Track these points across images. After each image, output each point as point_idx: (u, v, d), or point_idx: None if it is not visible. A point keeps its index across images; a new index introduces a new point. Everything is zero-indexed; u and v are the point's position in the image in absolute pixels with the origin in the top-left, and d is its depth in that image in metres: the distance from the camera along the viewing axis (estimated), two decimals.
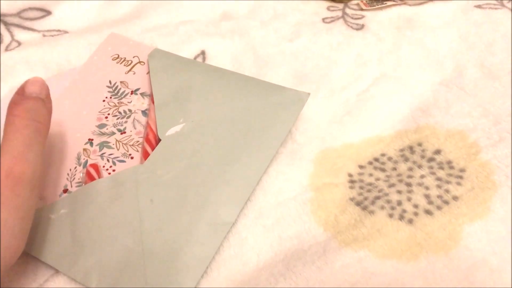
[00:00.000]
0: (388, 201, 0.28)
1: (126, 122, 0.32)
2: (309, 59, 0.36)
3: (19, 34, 0.39)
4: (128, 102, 0.33)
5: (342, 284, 0.24)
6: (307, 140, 0.32)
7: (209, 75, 0.33)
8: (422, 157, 0.30)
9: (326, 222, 0.28)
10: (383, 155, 0.31)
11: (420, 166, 0.30)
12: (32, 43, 0.38)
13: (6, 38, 0.38)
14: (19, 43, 0.38)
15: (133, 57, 0.36)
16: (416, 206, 0.28)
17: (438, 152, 0.30)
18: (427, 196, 0.28)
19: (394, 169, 0.30)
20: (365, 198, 0.29)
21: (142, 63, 0.35)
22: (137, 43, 0.37)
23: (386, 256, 0.25)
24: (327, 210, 0.28)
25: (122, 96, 0.34)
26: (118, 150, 0.31)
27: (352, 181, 0.30)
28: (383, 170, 0.30)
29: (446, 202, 0.28)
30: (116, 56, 0.36)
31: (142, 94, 0.34)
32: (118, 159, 0.31)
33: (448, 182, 0.29)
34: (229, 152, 0.29)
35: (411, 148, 0.31)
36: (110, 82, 0.35)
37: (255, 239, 0.28)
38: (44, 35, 0.39)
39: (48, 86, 0.28)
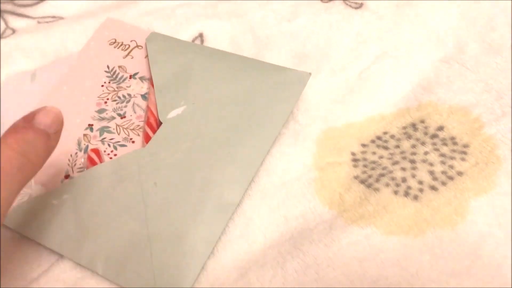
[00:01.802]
0: (393, 178, 0.28)
1: (125, 106, 0.32)
2: (308, 39, 0.36)
3: (14, 21, 0.38)
4: (127, 87, 0.33)
5: (350, 261, 0.24)
6: (309, 120, 0.32)
7: (208, 57, 0.33)
8: (425, 134, 0.30)
9: (331, 201, 0.28)
10: (385, 133, 0.31)
11: (423, 143, 0.30)
12: (27, 30, 0.37)
13: (1, 25, 0.38)
14: (14, 31, 0.37)
15: (131, 41, 0.35)
16: (421, 182, 0.28)
17: (441, 128, 0.30)
18: (431, 172, 0.28)
19: (397, 146, 0.30)
20: (369, 176, 0.29)
21: (140, 47, 0.35)
22: (134, 27, 0.36)
23: (393, 232, 0.25)
24: (331, 189, 0.28)
25: (121, 80, 0.33)
26: (119, 134, 0.31)
27: (355, 160, 0.30)
28: (386, 148, 0.30)
29: (451, 178, 0.27)
30: (113, 41, 0.35)
31: (141, 78, 0.33)
32: (119, 143, 0.31)
33: (452, 158, 0.28)
34: (231, 134, 0.29)
35: (413, 126, 0.31)
36: (108, 67, 0.34)
37: (260, 220, 0.28)
38: (39, 22, 0.38)
39: (61, 116, 0.25)
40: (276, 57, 0.35)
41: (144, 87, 0.33)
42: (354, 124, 0.32)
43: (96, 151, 0.30)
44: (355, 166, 0.29)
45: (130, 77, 0.33)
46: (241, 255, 0.26)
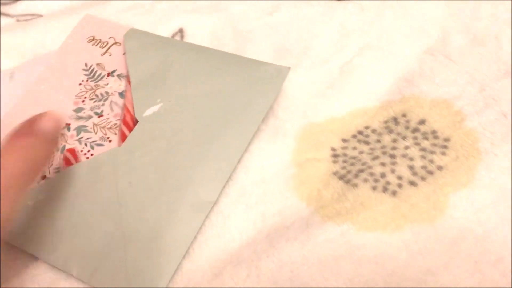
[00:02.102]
0: (372, 174, 0.28)
1: (103, 105, 0.32)
2: (290, 33, 0.35)
3: None
4: (105, 85, 0.33)
5: (325, 258, 0.24)
6: (289, 115, 0.31)
7: (187, 53, 0.32)
8: (407, 128, 0.30)
9: (309, 197, 0.27)
10: (367, 127, 0.30)
11: (404, 137, 0.29)
12: (6, 29, 0.37)
13: None
14: None
15: (109, 38, 0.35)
16: (400, 177, 0.27)
17: (422, 122, 0.30)
18: (411, 167, 0.27)
19: (378, 141, 0.29)
20: (348, 172, 0.28)
21: (118, 44, 0.34)
22: (112, 24, 0.36)
23: (370, 228, 0.25)
24: (310, 185, 0.28)
25: (99, 78, 0.33)
26: (96, 134, 0.30)
27: (335, 156, 0.29)
28: (367, 143, 0.30)
29: (431, 173, 0.27)
30: (92, 38, 0.35)
31: (118, 75, 0.33)
32: (96, 143, 0.30)
33: (432, 152, 0.28)
34: (208, 131, 0.29)
35: (395, 120, 0.30)
36: (86, 65, 0.34)
37: (237, 218, 0.27)
38: (18, 20, 0.38)
39: (62, 122, 0.25)
40: (257, 51, 0.34)
41: (122, 85, 0.32)
42: (335, 119, 0.31)
43: (72, 151, 0.30)
44: (334, 162, 0.29)
45: (108, 74, 0.33)
46: (216, 254, 0.26)
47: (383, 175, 0.27)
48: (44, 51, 0.36)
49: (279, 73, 0.31)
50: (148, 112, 0.30)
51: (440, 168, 0.27)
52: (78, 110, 0.32)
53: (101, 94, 0.32)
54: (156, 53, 0.33)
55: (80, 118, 0.31)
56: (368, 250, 0.24)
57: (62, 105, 0.32)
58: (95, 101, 0.32)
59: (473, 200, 0.25)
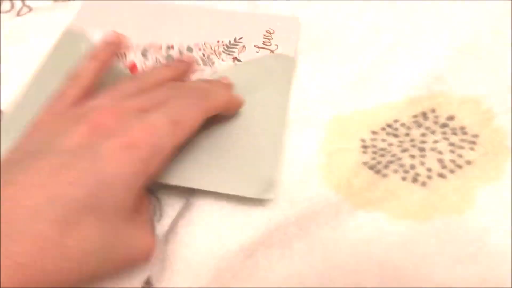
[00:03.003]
0: (401, 165, 0.28)
1: None
2: (321, 25, 0.36)
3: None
4: None
5: (357, 243, 0.25)
6: (319, 106, 0.32)
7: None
8: (435, 123, 0.30)
9: (338, 186, 0.28)
10: (396, 121, 0.31)
11: (433, 132, 0.30)
12: (44, 8, 0.38)
13: (17, 3, 0.38)
14: (30, 8, 0.38)
15: None
16: (429, 169, 0.28)
17: (451, 118, 0.30)
18: (440, 161, 0.28)
19: (407, 134, 0.30)
20: (378, 162, 0.29)
21: None
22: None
23: (400, 216, 0.25)
24: (339, 174, 0.29)
25: None
26: None
27: (364, 146, 0.30)
28: (396, 135, 0.30)
29: (459, 166, 0.28)
30: None
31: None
32: None
33: (461, 147, 0.29)
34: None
35: (424, 115, 0.31)
36: None
37: (264, 205, 0.28)
38: (55, 0, 0.39)
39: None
40: None
41: None
42: (364, 112, 0.32)
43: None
44: (364, 152, 0.30)
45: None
46: (245, 240, 0.26)
47: (412, 167, 0.28)
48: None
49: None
50: None
51: (468, 162, 0.28)
52: None
53: None
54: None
55: None
56: (398, 236, 0.25)
57: None
58: None
59: (501, 195, 0.26)
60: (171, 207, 0.29)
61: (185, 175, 0.28)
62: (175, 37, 0.35)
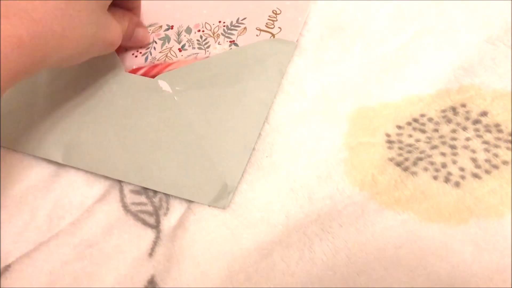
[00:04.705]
0: (432, 163, 0.26)
1: None
2: (344, 10, 0.33)
3: None
4: None
5: (385, 247, 0.22)
6: (341, 97, 0.30)
7: None
8: (467, 118, 0.28)
9: (363, 182, 0.26)
10: (422, 115, 0.29)
11: (464, 128, 0.28)
12: None
13: None
14: None
15: None
16: (462, 169, 0.25)
17: (484, 114, 0.28)
18: (474, 160, 0.26)
19: (436, 130, 0.28)
20: (406, 159, 0.26)
21: None
22: None
23: (432, 219, 0.23)
24: (363, 170, 0.26)
25: None
26: None
27: (390, 142, 0.28)
28: (423, 131, 0.28)
29: (496, 167, 0.25)
30: None
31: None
32: None
33: (496, 146, 0.26)
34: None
35: (454, 109, 0.29)
36: None
37: (282, 202, 0.26)
38: None
39: None
40: (309, 28, 0.33)
41: None
42: (389, 104, 0.29)
43: None
44: (389, 148, 0.27)
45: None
46: (262, 238, 0.24)
47: (444, 165, 0.26)
48: None
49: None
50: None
51: (505, 163, 0.25)
52: None
53: None
54: None
55: None
56: (431, 242, 0.22)
57: None
58: None
59: None
60: (178, 200, 0.26)
61: (145, 174, 0.27)
62: (179, 15, 0.33)
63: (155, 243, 0.25)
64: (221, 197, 0.25)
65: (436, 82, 0.30)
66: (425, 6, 0.33)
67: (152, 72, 0.31)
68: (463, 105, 0.29)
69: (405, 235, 0.23)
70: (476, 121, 0.28)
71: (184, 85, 0.29)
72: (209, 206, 0.25)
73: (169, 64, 0.31)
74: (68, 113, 0.29)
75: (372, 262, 0.22)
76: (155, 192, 0.26)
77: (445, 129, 0.28)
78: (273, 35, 0.32)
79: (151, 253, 0.24)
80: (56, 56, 0.24)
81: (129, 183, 0.27)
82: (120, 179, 0.27)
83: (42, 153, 0.29)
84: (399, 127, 0.28)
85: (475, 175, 0.25)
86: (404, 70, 0.31)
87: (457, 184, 0.25)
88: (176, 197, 0.27)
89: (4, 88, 0.21)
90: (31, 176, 0.29)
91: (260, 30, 0.32)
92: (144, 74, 0.31)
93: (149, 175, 0.26)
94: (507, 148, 0.26)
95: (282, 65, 0.30)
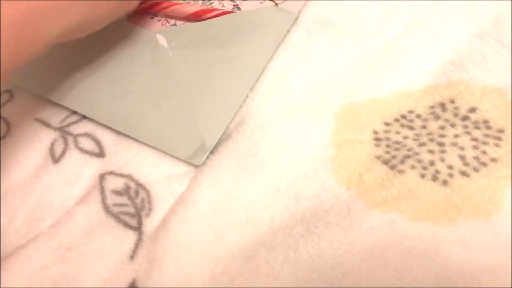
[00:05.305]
0: (419, 161, 0.25)
1: None
2: (332, 5, 0.32)
3: None
4: None
5: (371, 247, 0.22)
6: (328, 93, 0.29)
7: None
8: (455, 115, 0.27)
9: (349, 181, 0.25)
10: (410, 112, 0.28)
11: (453, 125, 0.27)
12: None
13: None
14: None
15: None
16: (450, 167, 0.25)
17: (473, 110, 0.27)
18: (462, 157, 0.25)
19: (424, 127, 0.27)
20: (393, 157, 0.26)
21: None
22: None
23: (420, 218, 0.23)
24: (350, 168, 0.26)
25: None
26: None
27: (377, 139, 0.27)
28: (411, 128, 0.27)
29: (484, 164, 0.25)
30: None
31: None
32: None
33: (485, 143, 0.26)
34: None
35: (442, 105, 0.28)
36: None
37: (267, 202, 0.25)
38: None
39: None
40: (294, 22, 0.32)
41: None
42: (377, 100, 0.29)
43: None
44: (377, 145, 0.27)
45: None
46: (246, 239, 0.23)
47: (432, 163, 0.25)
48: None
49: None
50: None
51: (494, 160, 0.25)
52: None
53: None
54: None
55: None
56: (418, 242, 0.22)
57: None
58: None
59: None
60: (162, 201, 0.26)
61: (130, 123, 0.28)
62: None
63: (136, 245, 0.24)
64: (197, 154, 0.26)
65: (425, 77, 0.29)
66: (414, 1, 0.32)
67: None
68: (452, 101, 0.28)
69: (392, 235, 0.22)
70: (465, 118, 0.27)
71: (180, 42, 0.30)
72: (185, 160, 0.26)
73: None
74: (65, 56, 0.30)
75: (358, 263, 0.21)
76: (137, 192, 0.26)
77: (433, 125, 0.27)
78: (276, 3, 0.32)
79: (132, 256, 0.24)
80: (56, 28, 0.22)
81: (110, 183, 0.26)
82: (106, 124, 0.28)
83: (33, 88, 0.30)
84: (386, 123, 0.28)
85: (463, 173, 0.25)
86: (392, 65, 0.30)
87: (445, 183, 0.24)
88: (159, 199, 0.26)
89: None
90: (9, 177, 0.28)
91: None
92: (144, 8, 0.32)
93: (134, 125, 0.28)
94: (496, 145, 0.26)
95: (279, 34, 0.31)
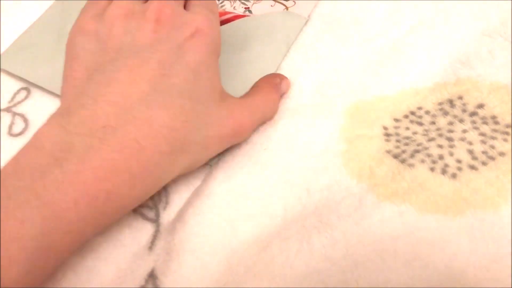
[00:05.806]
0: (429, 155, 0.26)
1: None
2: (340, 4, 0.33)
3: None
4: None
5: (382, 238, 0.23)
6: (337, 91, 0.30)
7: None
8: (464, 111, 0.28)
9: (360, 174, 0.26)
10: (419, 108, 0.29)
11: (461, 121, 0.28)
12: None
13: None
14: None
15: None
16: (459, 161, 0.26)
17: (481, 106, 0.28)
18: (470, 152, 0.26)
19: (433, 123, 0.28)
20: (403, 151, 0.27)
21: None
22: None
23: (430, 210, 0.23)
24: (361, 162, 0.27)
25: None
26: None
27: (387, 134, 0.28)
28: (420, 124, 0.28)
29: (492, 158, 0.26)
30: None
31: None
32: None
33: (493, 138, 0.26)
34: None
35: (450, 102, 0.29)
36: None
37: (279, 194, 0.26)
38: None
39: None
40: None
41: None
42: (386, 98, 0.30)
43: None
44: (387, 140, 0.27)
45: None
46: (260, 231, 0.24)
47: (441, 157, 0.26)
48: None
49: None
50: None
51: (502, 154, 0.26)
52: None
53: None
54: None
55: None
56: (428, 232, 0.23)
57: None
58: None
59: None
60: (178, 194, 0.26)
61: None
62: None
63: (154, 236, 0.25)
64: None
65: (433, 75, 0.30)
66: (421, 0, 0.33)
67: None
68: (460, 98, 0.29)
69: (403, 227, 0.23)
70: (473, 113, 0.28)
71: None
72: None
73: None
74: None
75: (370, 254, 0.22)
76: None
77: (442, 121, 0.28)
78: (286, 7, 0.33)
79: (151, 247, 0.25)
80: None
81: None
82: None
83: (50, 87, 0.31)
84: (396, 120, 0.28)
85: (472, 167, 0.25)
86: (400, 63, 0.31)
87: (454, 176, 0.25)
88: (175, 192, 0.27)
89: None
90: None
91: (275, 1, 0.33)
92: None
93: None
94: (504, 140, 0.26)
95: (289, 39, 0.31)
